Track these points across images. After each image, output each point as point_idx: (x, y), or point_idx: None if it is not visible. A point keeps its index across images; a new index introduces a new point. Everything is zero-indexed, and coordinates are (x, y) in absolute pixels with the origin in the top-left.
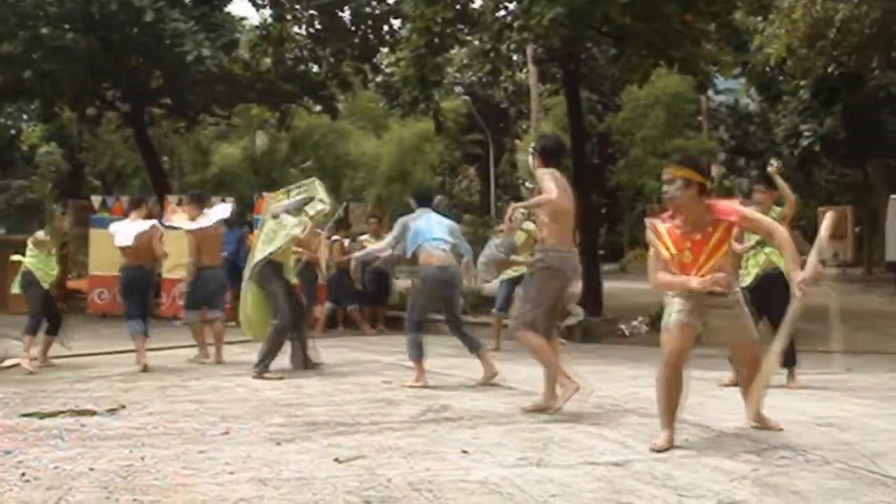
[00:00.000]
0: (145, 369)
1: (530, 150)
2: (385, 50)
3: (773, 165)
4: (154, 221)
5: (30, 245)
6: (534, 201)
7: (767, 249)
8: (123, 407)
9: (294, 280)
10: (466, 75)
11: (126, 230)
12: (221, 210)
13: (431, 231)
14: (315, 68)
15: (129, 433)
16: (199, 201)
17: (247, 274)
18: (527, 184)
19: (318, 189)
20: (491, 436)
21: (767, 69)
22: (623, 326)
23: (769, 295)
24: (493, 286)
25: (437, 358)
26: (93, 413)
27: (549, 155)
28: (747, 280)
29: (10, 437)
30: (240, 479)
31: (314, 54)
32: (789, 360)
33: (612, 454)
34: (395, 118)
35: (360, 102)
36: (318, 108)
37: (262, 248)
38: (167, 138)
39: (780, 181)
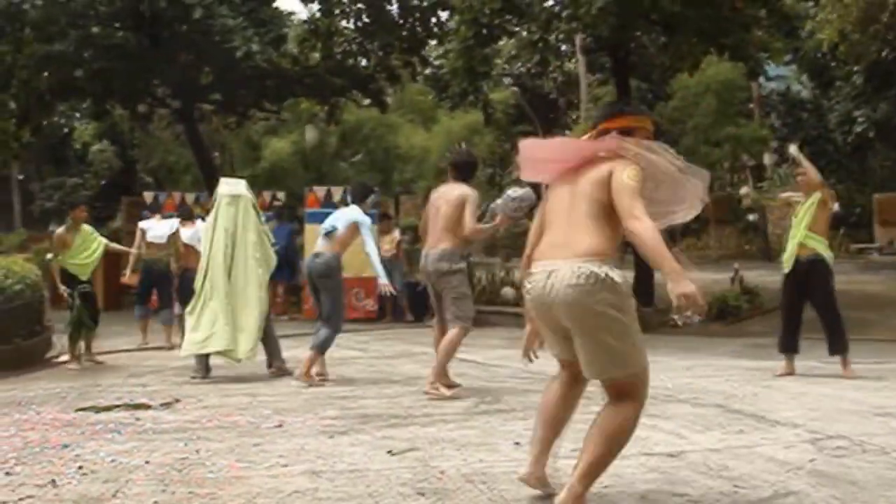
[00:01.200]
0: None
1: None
2: (433, 42)
3: (793, 148)
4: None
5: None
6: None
7: (810, 235)
8: (178, 401)
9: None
10: (515, 66)
11: (158, 228)
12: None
13: (326, 223)
14: (363, 62)
15: (184, 427)
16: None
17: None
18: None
19: None
20: None
21: (819, 55)
22: (675, 316)
23: (811, 281)
24: None
25: (488, 349)
26: (148, 407)
27: (460, 169)
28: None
29: (68, 431)
30: (294, 471)
31: (362, 48)
32: (840, 348)
33: (667, 445)
34: (445, 110)
35: (409, 95)
36: (366, 101)
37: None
38: (217, 134)
39: (805, 162)
